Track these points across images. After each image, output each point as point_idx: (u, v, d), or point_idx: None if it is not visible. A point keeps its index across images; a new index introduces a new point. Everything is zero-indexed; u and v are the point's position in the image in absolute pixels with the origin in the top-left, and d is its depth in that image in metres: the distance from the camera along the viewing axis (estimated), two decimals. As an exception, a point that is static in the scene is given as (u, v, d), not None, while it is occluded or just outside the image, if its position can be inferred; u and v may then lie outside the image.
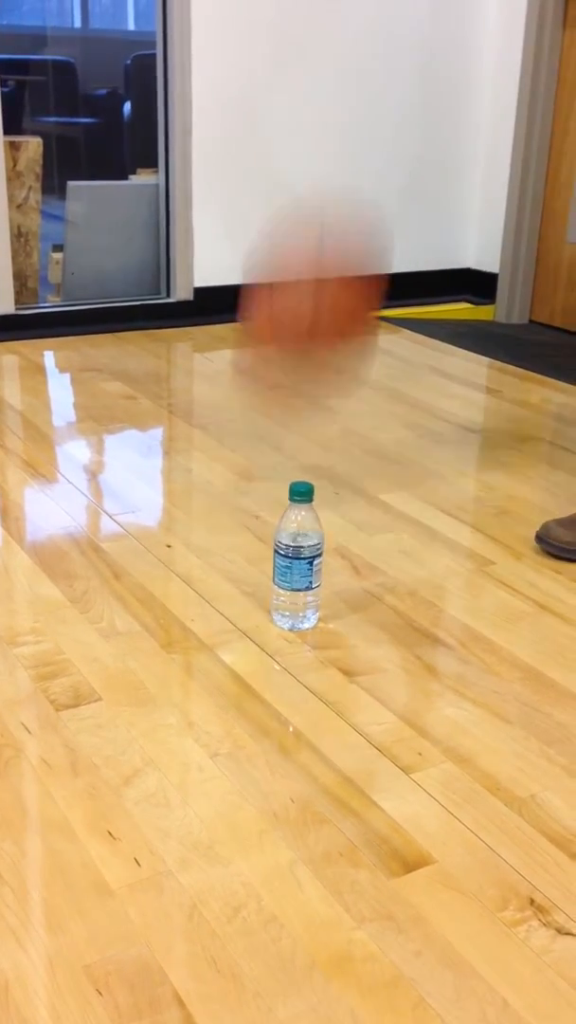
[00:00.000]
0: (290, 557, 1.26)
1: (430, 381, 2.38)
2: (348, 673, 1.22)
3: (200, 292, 2.78)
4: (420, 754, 1.07)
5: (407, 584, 1.43)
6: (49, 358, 2.47)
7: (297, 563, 1.26)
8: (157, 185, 2.72)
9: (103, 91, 4.26)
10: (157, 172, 2.72)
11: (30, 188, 2.56)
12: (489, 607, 1.38)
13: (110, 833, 0.94)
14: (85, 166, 4.17)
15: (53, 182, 2.91)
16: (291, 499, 1.26)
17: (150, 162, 2.74)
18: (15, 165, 2.50)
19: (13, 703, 1.13)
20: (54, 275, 2.76)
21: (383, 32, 2.75)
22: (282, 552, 1.27)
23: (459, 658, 1.25)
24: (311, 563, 1.27)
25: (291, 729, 1.10)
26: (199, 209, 2.71)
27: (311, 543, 1.26)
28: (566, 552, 1.52)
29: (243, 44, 2.62)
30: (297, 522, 1.26)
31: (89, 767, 1.03)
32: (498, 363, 2.56)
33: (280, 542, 1.27)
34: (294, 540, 1.26)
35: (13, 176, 2.50)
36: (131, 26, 5.19)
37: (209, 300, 2.78)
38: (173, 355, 2.58)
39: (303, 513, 1.26)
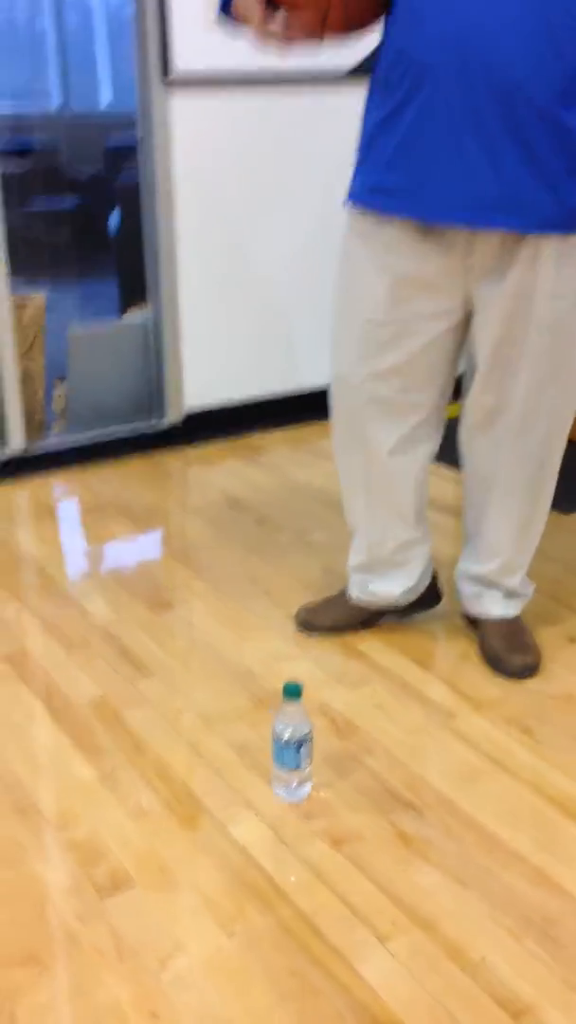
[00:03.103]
0: (283, 745, 1.53)
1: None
2: (336, 842, 1.49)
3: (191, 415, 3.06)
4: (393, 923, 1.34)
5: (383, 743, 1.70)
6: (58, 493, 2.74)
7: (288, 750, 1.53)
8: (145, 325, 2.99)
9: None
10: (146, 307, 2.99)
11: (35, 337, 2.83)
12: (452, 766, 1.65)
13: (153, 1014, 1.21)
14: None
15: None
16: (284, 696, 1.53)
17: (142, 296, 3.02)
18: (21, 320, 2.77)
19: (65, 891, 1.40)
20: (58, 404, 3.03)
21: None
22: (277, 741, 1.54)
23: (427, 823, 1.52)
24: (299, 749, 1.54)
25: (290, 888, 1.37)
26: (187, 341, 2.98)
27: (301, 733, 1.54)
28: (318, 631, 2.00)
29: (227, 189, 2.88)
30: (289, 715, 1.53)
31: (131, 952, 1.30)
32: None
33: (276, 732, 1.54)
34: (287, 731, 1.53)
35: (19, 329, 2.76)
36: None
37: (199, 422, 3.05)
38: (170, 484, 2.85)
39: (294, 708, 1.53)
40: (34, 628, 2.07)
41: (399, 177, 1.58)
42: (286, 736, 1.53)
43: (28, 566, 2.35)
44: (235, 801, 1.57)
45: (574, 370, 1.72)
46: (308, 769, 1.57)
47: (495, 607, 1.95)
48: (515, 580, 1.93)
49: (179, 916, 1.36)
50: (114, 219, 4.10)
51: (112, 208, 4.22)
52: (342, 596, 2.05)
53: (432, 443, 1.86)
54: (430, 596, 2.04)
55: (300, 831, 1.51)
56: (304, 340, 3.16)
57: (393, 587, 1.97)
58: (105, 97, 6.09)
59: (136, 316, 3.05)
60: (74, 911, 1.37)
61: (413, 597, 2.00)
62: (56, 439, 2.94)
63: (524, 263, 1.59)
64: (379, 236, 1.66)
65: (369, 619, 2.03)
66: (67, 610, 2.14)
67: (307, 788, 1.58)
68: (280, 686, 1.56)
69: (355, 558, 1.99)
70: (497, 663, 1.89)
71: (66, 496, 2.74)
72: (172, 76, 2.72)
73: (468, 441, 1.85)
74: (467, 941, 1.32)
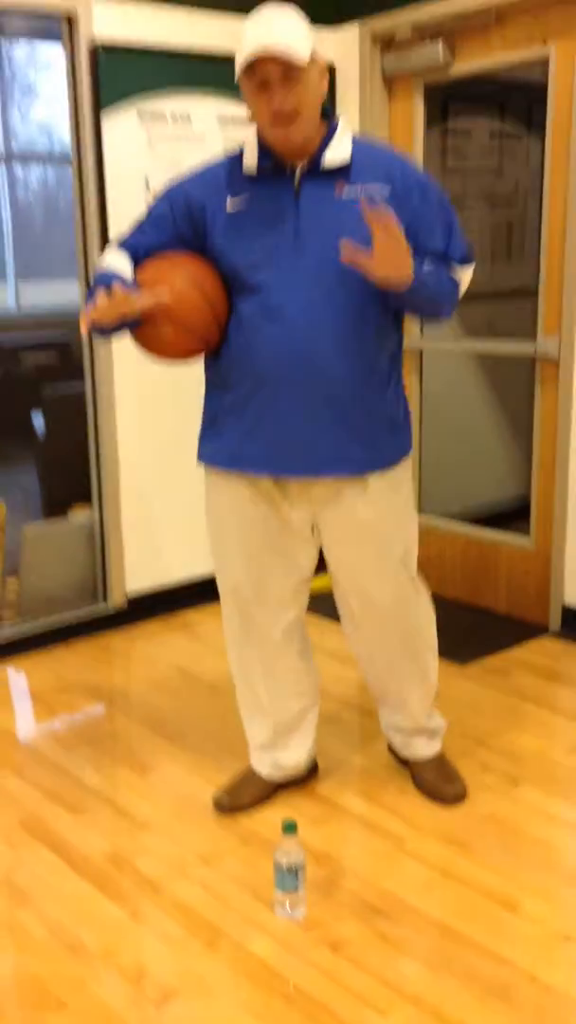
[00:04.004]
0: (284, 872, 1.92)
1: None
2: (333, 947, 1.86)
3: (132, 598, 3.47)
4: (389, 1002, 1.72)
5: (353, 868, 2.10)
6: (24, 675, 3.07)
7: (289, 876, 1.92)
8: (91, 523, 3.43)
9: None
10: (91, 507, 3.43)
11: (-3, 539, 3.22)
12: (411, 880, 2.06)
13: None
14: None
15: None
16: (284, 832, 1.92)
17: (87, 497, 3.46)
18: (-15, 523, 3.16)
19: (126, 1006, 1.72)
20: (10, 595, 3.39)
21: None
22: (278, 869, 1.92)
23: (399, 925, 1.92)
24: (296, 874, 1.93)
25: (293, 989, 1.73)
26: (128, 533, 3.43)
27: (298, 862, 1.93)
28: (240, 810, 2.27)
29: (160, 400, 3.40)
30: (287, 847, 1.93)
31: (192, 1046, 1.63)
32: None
33: (277, 861, 1.93)
34: (286, 860, 1.92)
35: (-17, 531, 3.15)
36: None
37: (139, 604, 3.47)
38: (123, 661, 3.22)
39: (291, 842, 1.93)
40: (37, 797, 2.39)
41: (254, 448, 2.08)
42: (286, 864, 1.92)
43: (14, 742, 2.67)
44: (245, 923, 1.93)
45: (407, 557, 2.21)
46: (302, 891, 1.96)
47: (423, 749, 2.40)
48: (431, 722, 2.39)
49: (222, 1014, 1.70)
50: (37, 422, 4.56)
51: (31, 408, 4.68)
52: (253, 774, 2.36)
53: (301, 609, 2.28)
54: (313, 767, 2.43)
55: (303, 942, 1.88)
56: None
57: (300, 754, 2.35)
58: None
59: (81, 515, 3.48)
60: (137, 1020, 1.69)
61: (312, 759, 2.39)
62: (14, 627, 3.29)
63: (354, 493, 2.10)
64: (239, 488, 2.11)
65: (276, 789, 2.36)
66: (62, 779, 2.47)
67: (302, 908, 1.96)
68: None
69: (258, 738, 2.33)
70: (435, 794, 2.34)
71: (32, 677, 3.07)
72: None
73: (349, 635, 2.32)
74: (447, 1009, 1.71)
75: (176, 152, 3.32)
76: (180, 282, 1.98)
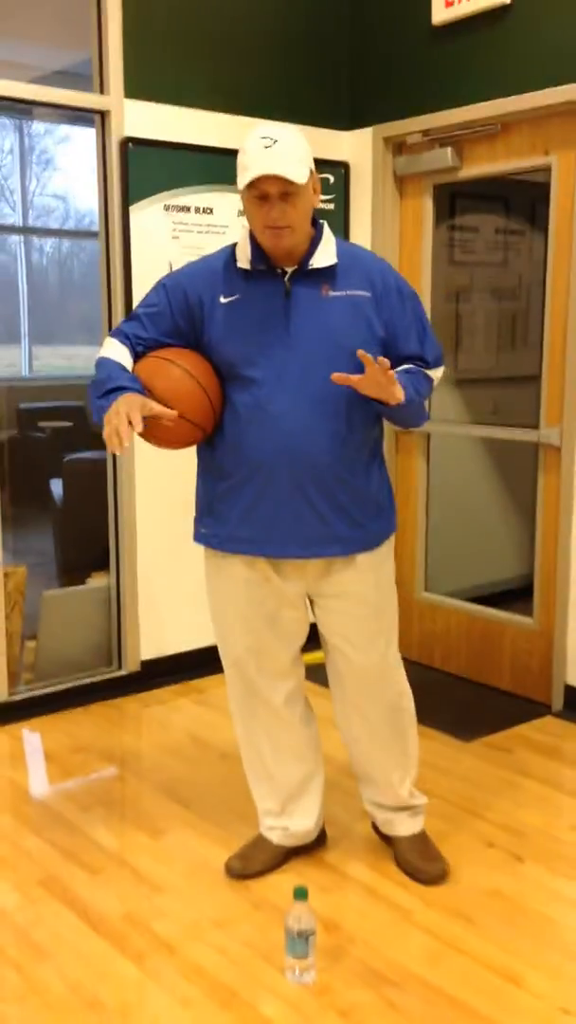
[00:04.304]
0: (295, 937, 1.99)
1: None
2: (342, 1013, 1.93)
3: (145, 663, 3.57)
4: (398, 1068, 1.79)
5: (361, 936, 2.17)
6: (39, 737, 3.15)
7: (300, 941, 1.99)
8: (108, 587, 3.54)
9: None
10: (108, 574, 3.55)
11: (16, 603, 3.32)
12: (418, 950, 2.13)
13: None
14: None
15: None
16: (295, 898, 2.00)
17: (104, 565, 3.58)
18: (6, 588, 3.27)
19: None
20: (28, 658, 3.49)
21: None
22: (290, 934, 2.00)
23: (407, 993, 1.99)
24: (307, 940, 2.00)
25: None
26: (144, 599, 3.54)
27: (309, 927, 2.00)
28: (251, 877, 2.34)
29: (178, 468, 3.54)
30: (298, 913, 2.00)
31: None
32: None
33: (288, 927, 2.00)
34: (298, 924, 2.00)
35: (3, 595, 3.26)
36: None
37: (153, 668, 3.57)
38: (137, 725, 3.31)
39: (302, 907, 2.00)
40: (54, 856, 2.47)
41: (249, 531, 2.22)
42: (297, 930, 2.00)
43: (31, 801, 2.75)
44: (258, 986, 2.00)
45: (391, 629, 2.35)
46: (312, 958, 2.03)
47: (404, 827, 2.46)
48: (413, 799, 2.46)
49: (237, 1076, 1.76)
50: (56, 489, 4.70)
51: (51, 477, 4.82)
52: (263, 840, 2.44)
53: (300, 678, 2.39)
54: (322, 835, 2.52)
55: (313, 1007, 1.95)
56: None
57: (308, 821, 2.43)
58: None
59: (99, 581, 3.60)
60: (155, 1078, 1.75)
61: (319, 826, 2.48)
62: (31, 689, 3.38)
63: (344, 570, 2.24)
64: (237, 567, 2.24)
65: (288, 855, 2.45)
66: (79, 839, 2.55)
67: (312, 973, 2.03)
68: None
69: (266, 803, 2.42)
70: (416, 874, 2.38)
71: (47, 738, 3.15)
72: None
73: (337, 701, 2.41)
74: (453, 1076, 1.77)
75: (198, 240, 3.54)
76: (178, 375, 2.14)
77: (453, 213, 4.23)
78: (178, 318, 2.20)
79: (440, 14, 3.49)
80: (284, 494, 2.16)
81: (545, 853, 2.53)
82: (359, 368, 2.03)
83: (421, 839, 2.47)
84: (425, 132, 3.65)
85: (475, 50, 3.44)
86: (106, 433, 2.01)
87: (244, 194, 2.09)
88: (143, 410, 2.04)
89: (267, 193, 2.04)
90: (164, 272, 3.48)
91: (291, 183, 2.03)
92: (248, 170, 2.04)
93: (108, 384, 2.12)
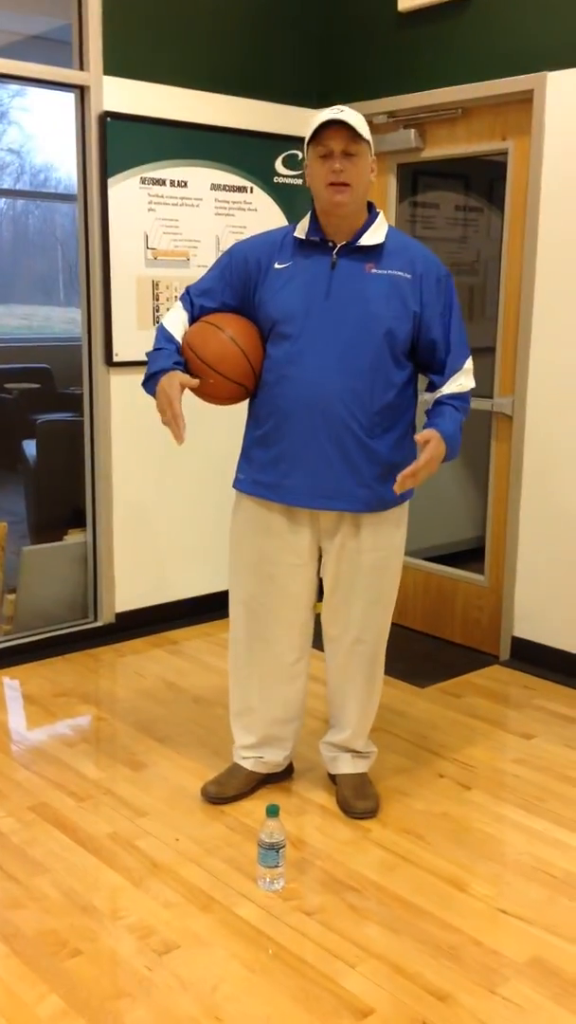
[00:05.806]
0: (267, 849, 2.23)
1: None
2: (308, 914, 2.18)
3: (120, 615, 3.77)
4: (357, 956, 2.04)
5: (325, 851, 2.42)
6: (22, 682, 3.35)
7: (271, 853, 2.23)
8: (85, 543, 3.74)
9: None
10: (85, 531, 3.74)
11: (-1, 556, 3.51)
12: (375, 863, 2.38)
13: (217, 1018, 1.84)
14: None
15: None
16: (267, 814, 2.24)
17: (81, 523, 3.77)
18: (-10, 542, 3.45)
19: (133, 954, 2.01)
20: (8, 610, 3.68)
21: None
22: (262, 846, 2.24)
23: (365, 898, 2.24)
24: (277, 852, 2.24)
25: (285, 943, 2.04)
26: (119, 555, 3.74)
27: (279, 840, 2.24)
28: (226, 801, 2.56)
29: (152, 433, 3.73)
30: (270, 828, 2.24)
31: (190, 984, 1.92)
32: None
33: (261, 840, 2.24)
34: (269, 838, 2.23)
35: (-12, 550, 3.44)
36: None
37: (127, 620, 3.77)
38: (113, 672, 3.52)
39: (274, 823, 2.24)
40: (45, 786, 2.68)
41: (271, 477, 2.45)
42: (269, 843, 2.23)
43: (17, 739, 2.96)
44: (233, 893, 2.24)
45: (390, 596, 2.59)
46: (282, 867, 2.27)
47: (347, 766, 2.70)
48: (366, 747, 2.70)
49: (217, 962, 2.01)
50: (29, 450, 4.85)
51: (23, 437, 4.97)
52: (237, 767, 2.66)
53: (305, 633, 2.61)
54: (290, 767, 2.76)
55: (283, 909, 2.20)
56: (208, 553, 3.97)
57: (280, 755, 2.67)
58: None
59: (77, 537, 3.79)
60: (144, 965, 1.99)
61: (289, 760, 2.71)
62: (9, 639, 3.57)
63: (351, 529, 2.48)
64: (256, 513, 2.49)
65: (259, 783, 2.68)
66: (65, 772, 2.77)
67: (281, 882, 2.27)
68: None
69: (244, 741, 2.63)
70: (345, 808, 2.61)
71: (28, 684, 3.36)
72: (113, 362, 3.62)
73: (329, 658, 2.64)
74: (405, 964, 2.03)
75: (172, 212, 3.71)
76: (222, 340, 2.40)
77: (416, 190, 4.43)
78: (235, 283, 2.45)
79: (406, 1, 3.68)
80: (304, 445, 2.38)
81: (490, 783, 2.79)
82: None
83: (360, 779, 2.68)
84: (391, 113, 3.84)
85: (439, 37, 3.63)
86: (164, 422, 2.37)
87: (310, 154, 2.35)
88: (182, 387, 2.34)
89: (331, 150, 2.29)
90: (140, 242, 3.68)
91: (353, 142, 2.28)
92: (316, 124, 2.29)
93: (152, 366, 2.42)
